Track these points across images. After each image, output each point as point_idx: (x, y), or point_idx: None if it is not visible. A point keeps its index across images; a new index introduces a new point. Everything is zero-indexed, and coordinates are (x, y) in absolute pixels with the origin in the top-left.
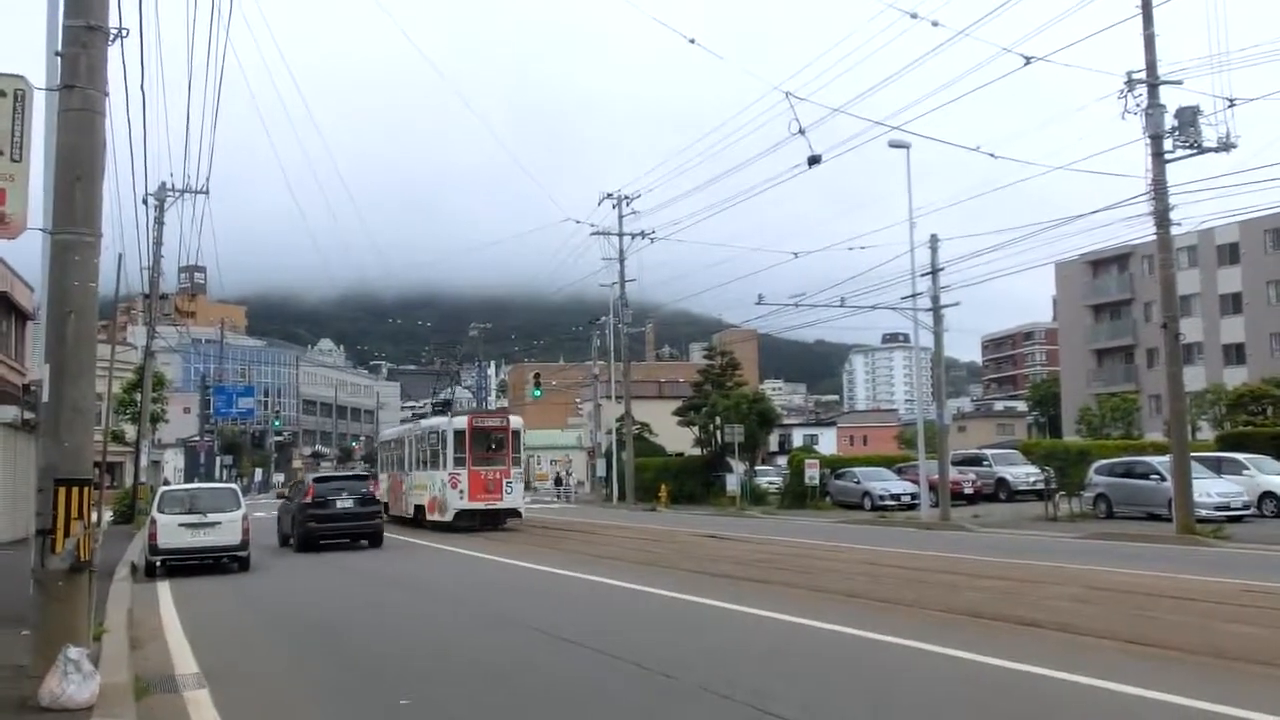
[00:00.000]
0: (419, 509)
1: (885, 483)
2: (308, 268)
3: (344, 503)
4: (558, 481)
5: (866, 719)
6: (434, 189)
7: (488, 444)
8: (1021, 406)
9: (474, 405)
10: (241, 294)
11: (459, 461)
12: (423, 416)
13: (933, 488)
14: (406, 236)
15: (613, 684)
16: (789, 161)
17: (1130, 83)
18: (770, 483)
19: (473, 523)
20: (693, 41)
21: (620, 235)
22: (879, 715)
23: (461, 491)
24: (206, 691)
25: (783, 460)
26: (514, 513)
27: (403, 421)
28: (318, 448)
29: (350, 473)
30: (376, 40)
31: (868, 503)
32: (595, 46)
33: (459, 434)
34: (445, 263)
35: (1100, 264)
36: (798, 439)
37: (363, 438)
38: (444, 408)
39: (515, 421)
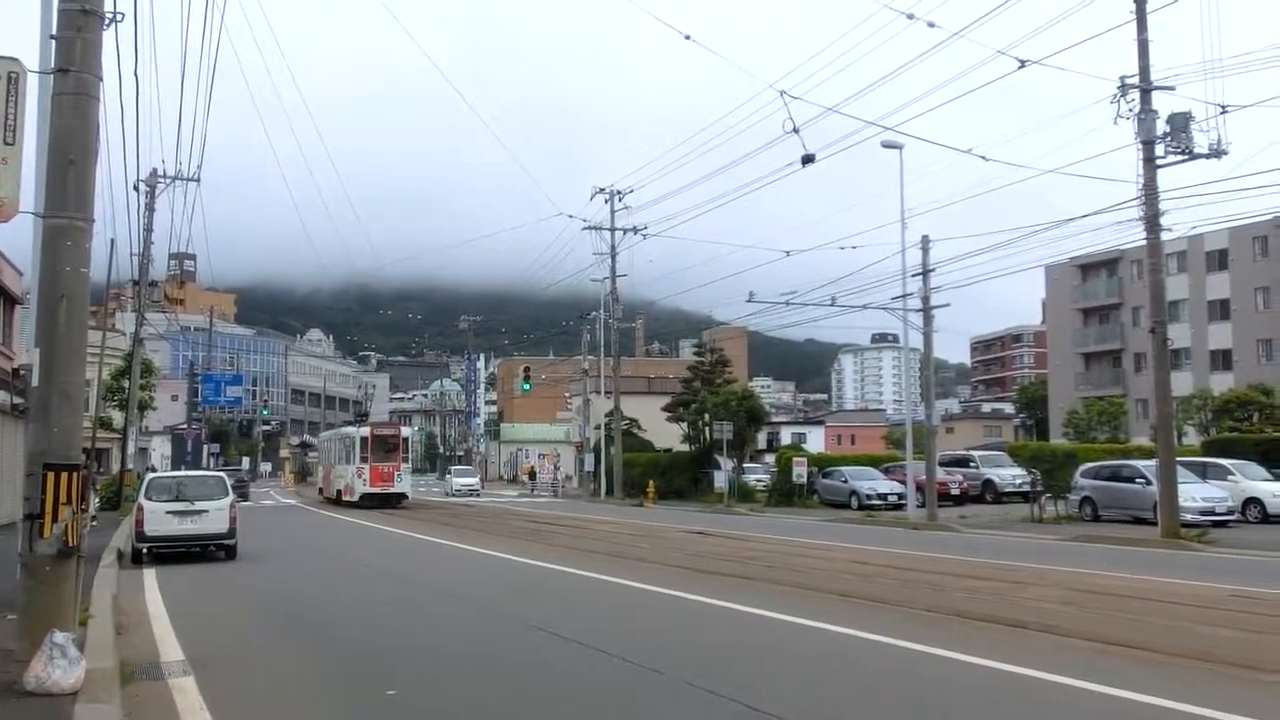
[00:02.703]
0: (339, 492)
1: (872, 482)
2: (299, 257)
3: None
4: (531, 475)
5: (851, 716)
6: (429, 182)
7: (385, 446)
8: (1009, 409)
9: (462, 398)
10: (232, 282)
11: (364, 459)
12: (349, 424)
13: (920, 488)
14: (400, 228)
15: (598, 677)
16: (782, 160)
17: (1123, 87)
18: (758, 480)
19: (373, 503)
20: (688, 38)
21: (612, 230)
22: (864, 712)
23: (365, 480)
24: (192, 679)
25: (771, 458)
26: (402, 496)
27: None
28: (305, 438)
29: (233, 467)
30: (371, 32)
31: (855, 502)
32: (591, 42)
33: (364, 439)
34: (438, 255)
35: (1090, 268)
36: (786, 437)
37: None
38: (361, 419)
39: (405, 431)
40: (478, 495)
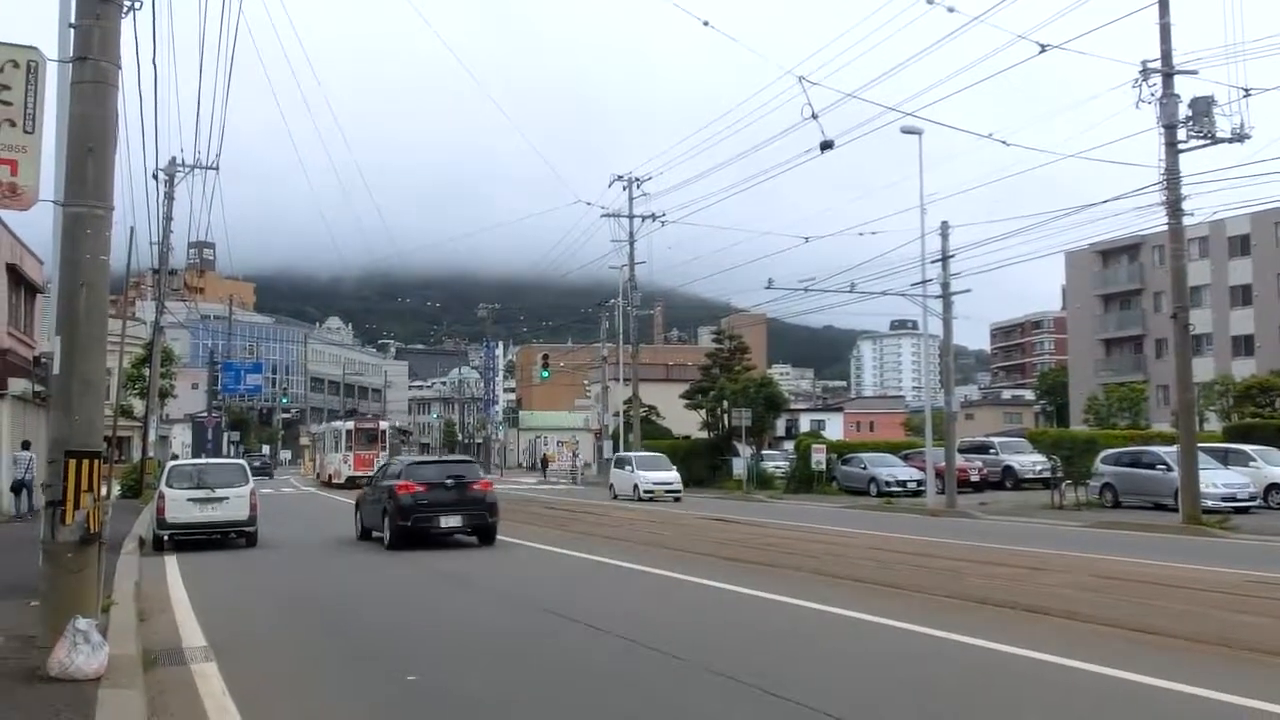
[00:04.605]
0: (330, 476)
1: (892, 469)
2: (318, 245)
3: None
4: (543, 464)
5: (872, 702)
6: (447, 170)
7: (366, 437)
8: (1029, 395)
9: (480, 386)
10: (251, 270)
11: (349, 448)
12: (339, 418)
13: (939, 475)
14: (419, 216)
15: (618, 662)
16: (802, 146)
17: (1145, 72)
18: (777, 467)
19: (356, 485)
20: (707, 24)
21: (630, 218)
22: (885, 699)
23: (350, 465)
24: (214, 664)
25: (789, 445)
26: None
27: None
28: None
29: (254, 453)
30: (389, 21)
31: (874, 489)
32: (609, 28)
33: (349, 431)
34: (457, 243)
35: (1110, 254)
36: (805, 424)
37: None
38: (349, 415)
39: (383, 424)
40: (679, 500)
